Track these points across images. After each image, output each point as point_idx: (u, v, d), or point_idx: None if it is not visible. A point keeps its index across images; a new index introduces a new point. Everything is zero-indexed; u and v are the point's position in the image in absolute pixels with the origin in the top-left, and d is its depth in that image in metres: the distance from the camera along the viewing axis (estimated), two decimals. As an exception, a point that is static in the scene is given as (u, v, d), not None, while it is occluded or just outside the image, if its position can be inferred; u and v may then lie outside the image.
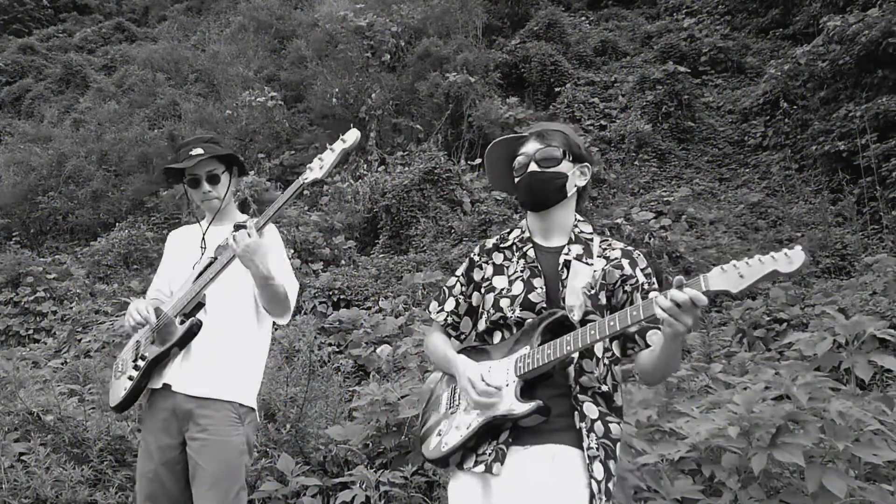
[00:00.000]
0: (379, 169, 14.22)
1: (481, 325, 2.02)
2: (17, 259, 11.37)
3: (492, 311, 1.96)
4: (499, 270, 2.02)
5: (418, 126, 15.53)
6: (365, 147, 15.24)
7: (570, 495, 1.75)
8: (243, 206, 12.20)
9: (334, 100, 15.95)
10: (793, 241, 10.33)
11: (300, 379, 4.16)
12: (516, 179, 2.00)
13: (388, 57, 16.69)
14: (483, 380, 1.83)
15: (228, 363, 2.42)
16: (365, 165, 14.47)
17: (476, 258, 2.10)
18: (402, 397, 3.83)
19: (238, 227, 2.42)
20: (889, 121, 11.52)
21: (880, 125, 11.58)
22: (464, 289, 2.10)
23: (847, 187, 11.54)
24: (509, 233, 2.10)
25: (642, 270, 1.94)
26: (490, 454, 1.83)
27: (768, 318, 7.11)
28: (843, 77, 13.04)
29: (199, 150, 2.52)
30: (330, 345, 6.71)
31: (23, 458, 3.69)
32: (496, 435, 1.84)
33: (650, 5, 20.67)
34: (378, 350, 5.98)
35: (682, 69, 15.31)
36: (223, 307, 2.45)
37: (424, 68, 16.24)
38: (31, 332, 10.16)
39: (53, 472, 3.56)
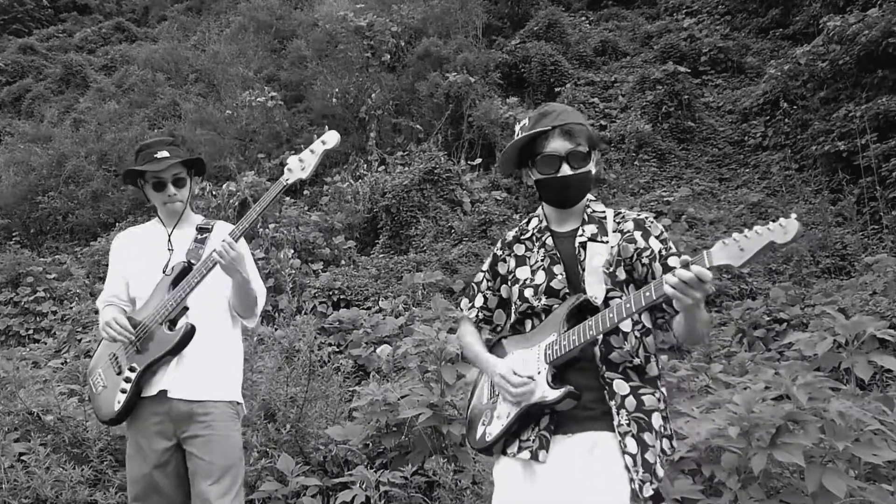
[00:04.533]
0: (379, 169, 14.22)
1: (512, 317, 2.06)
2: (17, 259, 11.35)
3: (518, 302, 2.00)
4: (521, 262, 2.06)
5: (418, 126, 15.52)
6: (365, 147, 15.24)
7: (611, 481, 1.78)
8: (243, 206, 12.20)
9: (334, 100, 15.95)
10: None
11: (300, 379, 4.16)
12: (541, 176, 1.98)
13: (388, 57, 16.68)
14: (515, 373, 1.88)
15: (220, 364, 2.48)
16: (365, 165, 14.47)
17: (499, 252, 2.14)
18: (402, 397, 3.83)
19: (201, 229, 2.53)
20: (889, 121, 11.52)
21: (880, 125, 11.57)
22: (490, 283, 2.16)
23: (847, 187, 11.54)
24: (528, 222, 2.12)
25: (657, 237, 1.96)
26: (534, 440, 1.87)
27: (768, 318, 7.12)
28: (843, 77, 13.04)
29: (165, 154, 2.51)
30: (330, 345, 6.70)
31: (23, 458, 3.68)
32: (537, 420, 1.89)
33: (650, 5, 20.65)
34: (378, 350, 5.97)
35: (682, 69, 15.30)
36: (204, 311, 2.47)
37: (424, 68, 16.23)
38: (31, 332, 10.16)
39: (53, 472, 3.56)
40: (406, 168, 13.36)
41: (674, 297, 1.65)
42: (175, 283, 2.41)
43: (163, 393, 2.38)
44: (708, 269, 1.61)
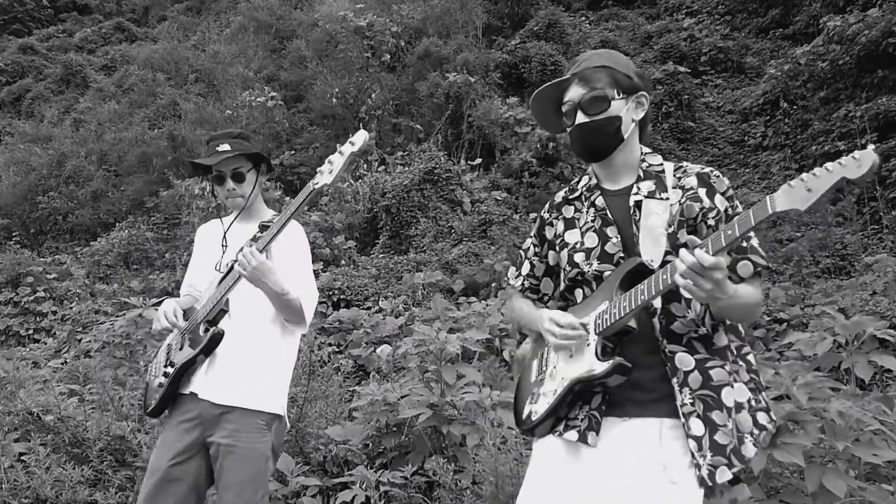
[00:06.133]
0: (379, 169, 14.23)
1: (561, 285, 1.89)
2: (17, 259, 11.36)
3: (568, 267, 1.84)
4: (570, 224, 1.88)
5: (418, 126, 15.53)
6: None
7: (673, 471, 1.60)
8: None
9: (334, 100, 15.95)
10: (793, 240, 10.33)
11: (300, 379, 4.16)
12: (567, 129, 1.84)
13: (388, 57, 16.70)
14: (561, 317, 1.71)
15: (254, 371, 2.36)
16: (365, 165, 14.48)
17: (546, 215, 1.96)
18: (402, 397, 3.83)
19: (263, 226, 2.34)
20: (889, 121, 11.53)
21: (880, 125, 11.59)
22: (538, 249, 1.98)
23: (847, 187, 11.54)
24: (578, 181, 1.94)
25: (723, 194, 1.73)
26: (582, 420, 1.71)
27: (768, 318, 7.12)
28: (843, 77, 13.04)
29: (226, 147, 2.45)
30: (330, 345, 6.69)
31: (23, 458, 3.67)
32: (587, 399, 1.72)
33: (650, 5, 20.67)
34: (378, 350, 5.96)
35: (682, 69, 15.31)
36: (247, 313, 2.39)
37: (424, 68, 16.24)
38: (31, 332, 10.16)
39: (53, 472, 3.55)
40: (406, 168, 13.36)
41: (683, 286, 1.47)
42: (222, 281, 2.35)
43: (194, 394, 2.36)
44: (770, 215, 1.38)
